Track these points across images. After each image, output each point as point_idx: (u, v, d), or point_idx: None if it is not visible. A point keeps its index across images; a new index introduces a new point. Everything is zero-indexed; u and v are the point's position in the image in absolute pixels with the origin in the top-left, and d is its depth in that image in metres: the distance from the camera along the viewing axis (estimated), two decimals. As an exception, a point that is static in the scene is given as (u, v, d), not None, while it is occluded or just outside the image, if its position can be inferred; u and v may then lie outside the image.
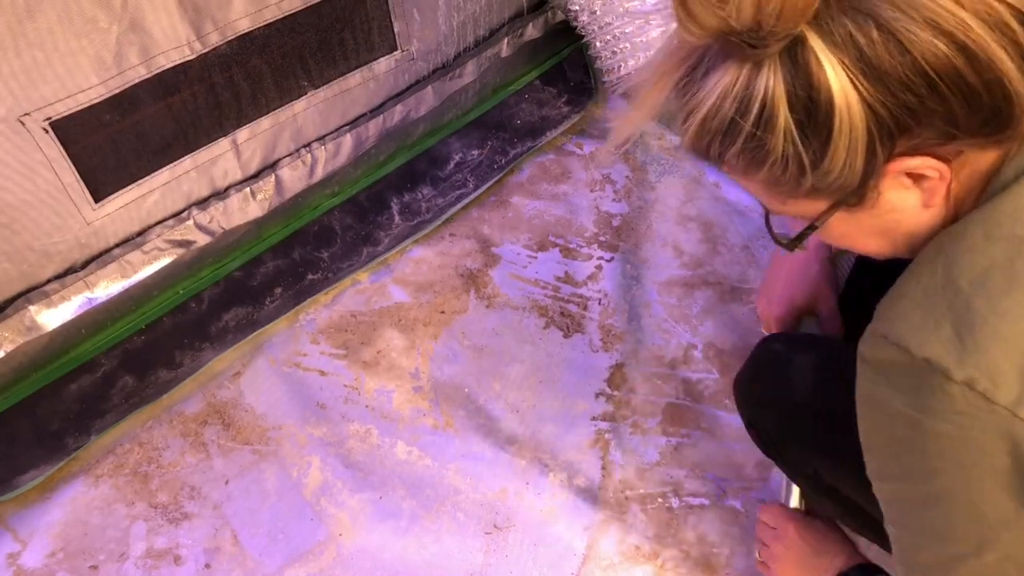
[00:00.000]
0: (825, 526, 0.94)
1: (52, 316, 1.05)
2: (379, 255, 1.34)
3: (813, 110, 0.47)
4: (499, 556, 1.04)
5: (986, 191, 0.52)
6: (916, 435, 0.51)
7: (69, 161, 0.96)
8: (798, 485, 0.98)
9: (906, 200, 0.53)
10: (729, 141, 0.51)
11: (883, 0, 0.45)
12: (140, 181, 1.05)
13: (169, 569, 1.03)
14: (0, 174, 0.90)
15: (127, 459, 1.12)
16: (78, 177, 0.98)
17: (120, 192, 1.04)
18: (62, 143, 0.94)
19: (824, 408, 0.80)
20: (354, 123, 1.27)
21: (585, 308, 1.30)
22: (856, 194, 0.51)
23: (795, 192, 0.52)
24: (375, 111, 1.29)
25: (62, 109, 0.91)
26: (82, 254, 1.06)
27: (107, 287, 1.08)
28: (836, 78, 0.46)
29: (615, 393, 1.19)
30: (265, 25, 1.05)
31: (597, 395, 1.19)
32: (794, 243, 0.61)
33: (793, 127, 0.48)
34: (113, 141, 0.99)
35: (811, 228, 0.57)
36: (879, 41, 0.45)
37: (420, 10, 1.24)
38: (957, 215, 0.54)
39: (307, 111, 1.19)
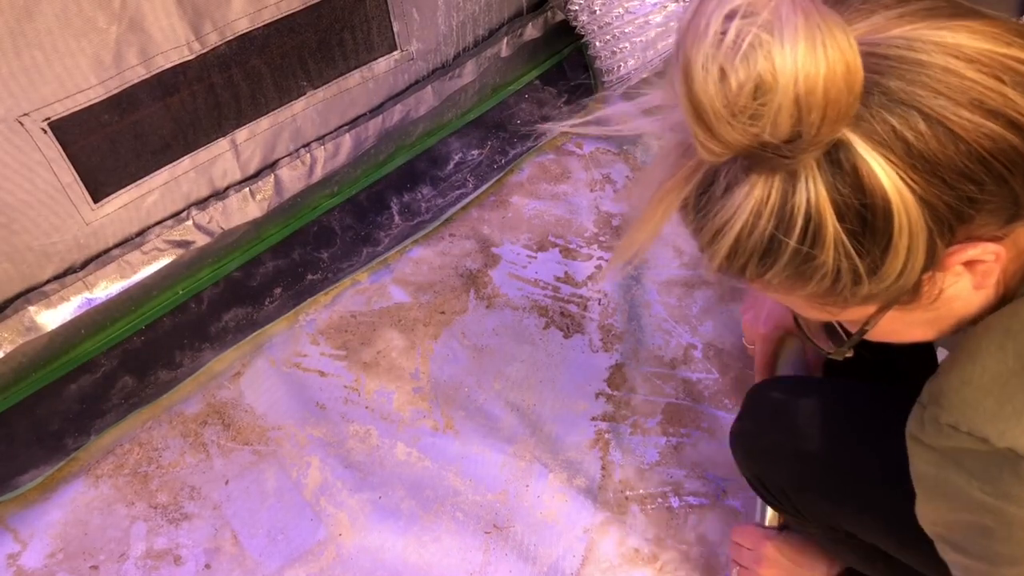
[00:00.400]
0: (802, 541, 0.92)
1: (51, 316, 1.05)
2: (379, 255, 1.34)
3: (867, 216, 0.43)
4: (499, 556, 1.04)
5: None
6: (1000, 524, 0.49)
7: (68, 161, 0.96)
8: (814, 536, 0.93)
9: (959, 287, 0.49)
10: (770, 261, 0.45)
11: (923, 88, 0.42)
12: (139, 181, 1.05)
13: (169, 569, 1.03)
14: (0, 174, 0.91)
15: (127, 459, 1.12)
16: (77, 177, 0.98)
17: (119, 192, 1.04)
18: (61, 143, 0.94)
19: (838, 457, 0.77)
20: (353, 123, 1.27)
21: (585, 308, 1.29)
22: (912, 292, 0.47)
23: (845, 303, 0.48)
24: (374, 111, 1.29)
25: (61, 109, 0.91)
26: (81, 254, 1.06)
27: (106, 287, 1.09)
28: (888, 178, 0.42)
29: (615, 393, 1.19)
30: (264, 25, 1.05)
31: (597, 395, 1.19)
32: (842, 352, 0.58)
33: (844, 237, 0.43)
34: (112, 141, 0.99)
35: (861, 333, 0.53)
36: (927, 133, 0.42)
37: (419, 10, 1.24)
38: (1007, 291, 0.52)
39: (306, 111, 1.19)
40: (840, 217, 0.43)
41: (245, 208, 1.18)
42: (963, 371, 0.50)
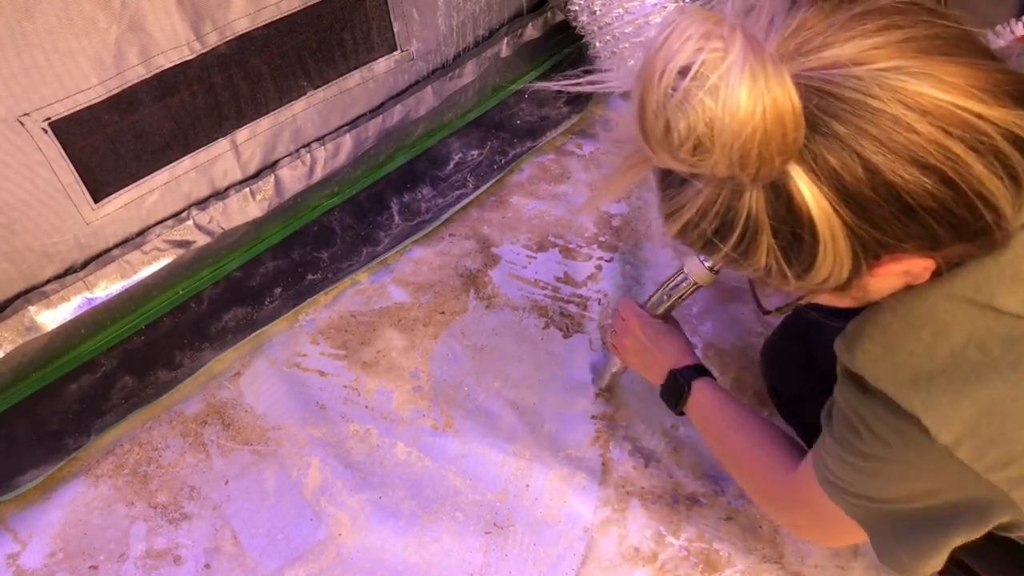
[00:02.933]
0: (665, 328, 0.99)
1: (51, 316, 1.05)
2: (379, 255, 1.34)
3: (797, 237, 0.47)
4: (499, 556, 1.04)
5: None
6: (864, 430, 0.59)
7: (68, 161, 0.96)
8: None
9: (893, 283, 0.54)
10: (712, 250, 0.51)
11: (867, 138, 0.44)
12: (139, 181, 1.05)
13: (169, 569, 1.03)
14: (0, 174, 0.90)
15: (127, 459, 1.12)
16: (77, 177, 0.98)
17: (119, 192, 1.04)
18: (61, 143, 0.94)
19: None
20: (353, 123, 1.27)
21: (585, 308, 1.29)
22: (842, 288, 0.52)
23: (777, 287, 0.54)
24: (375, 111, 1.29)
25: (61, 109, 0.91)
26: (81, 254, 1.06)
27: (106, 287, 1.09)
28: (819, 209, 0.45)
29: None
30: (264, 25, 1.05)
31: (597, 395, 1.19)
32: (779, 311, 0.66)
33: (776, 250, 0.48)
34: (112, 141, 0.99)
35: (791, 306, 0.63)
36: (863, 179, 0.45)
37: (419, 10, 1.24)
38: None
39: (306, 111, 1.19)
40: (774, 233, 0.47)
41: (245, 208, 1.18)
42: (872, 319, 0.58)
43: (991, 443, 0.53)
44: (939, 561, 0.62)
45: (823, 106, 0.44)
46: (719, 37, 0.41)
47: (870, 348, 0.57)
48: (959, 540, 0.60)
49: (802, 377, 0.91)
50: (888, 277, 0.52)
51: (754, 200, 0.46)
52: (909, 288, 0.55)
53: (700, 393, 0.92)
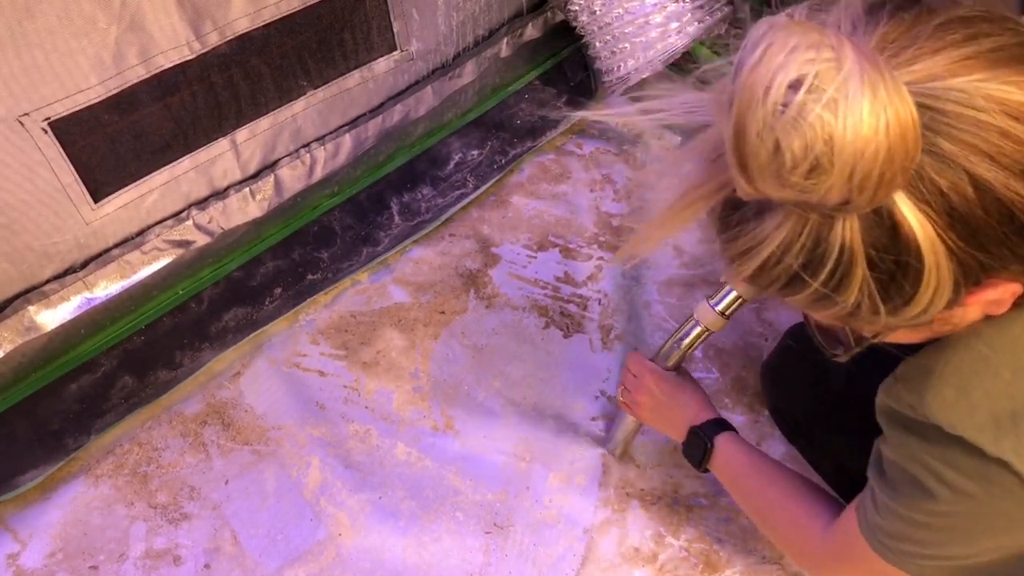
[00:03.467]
0: (680, 381, 0.96)
1: (51, 316, 1.05)
2: (379, 255, 1.34)
3: (898, 269, 0.43)
4: (499, 556, 1.04)
5: None
6: (938, 485, 0.54)
7: (68, 161, 0.96)
8: (819, 473, 0.96)
9: (978, 312, 0.50)
10: (791, 291, 0.46)
11: (976, 153, 0.41)
12: (139, 181, 1.05)
13: (169, 569, 1.03)
14: (0, 174, 0.90)
15: (127, 459, 1.12)
16: (77, 177, 0.98)
17: (119, 192, 1.04)
18: (61, 143, 0.94)
19: (853, 392, 0.77)
20: (353, 123, 1.27)
21: (585, 308, 1.29)
22: (928, 321, 0.48)
23: (860, 326, 0.50)
24: (374, 111, 1.29)
25: (61, 109, 0.91)
26: (81, 254, 1.06)
27: (106, 287, 1.09)
28: (926, 236, 0.41)
29: (615, 394, 1.19)
30: (264, 25, 1.05)
31: (597, 395, 1.19)
32: (846, 356, 0.59)
33: (872, 283, 0.44)
34: (112, 141, 0.99)
35: (867, 343, 0.55)
36: (973, 199, 0.41)
37: (419, 10, 1.24)
38: None
39: (306, 111, 1.19)
40: (871, 266, 0.43)
41: (245, 208, 1.18)
42: (934, 360, 0.53)
43: None
44: None
45: (926, 121, 0.40)
46: (829, 47, 0.37)
47: (945, 393, 0.52)
48: None
49: (811, 398, 0.87)
50: (978, 306, 0.48)
51: (848, 229, 0.42)
52: (982, 322, 0.50)
53: (724, 449, 0.88)
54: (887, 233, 0.42)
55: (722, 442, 0.88)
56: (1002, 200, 0.41)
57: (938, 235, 0.42)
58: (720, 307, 0.91)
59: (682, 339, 0.96)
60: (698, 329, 0.94)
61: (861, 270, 0.43)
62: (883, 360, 0.79)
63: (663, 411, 0.96)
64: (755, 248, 0.45)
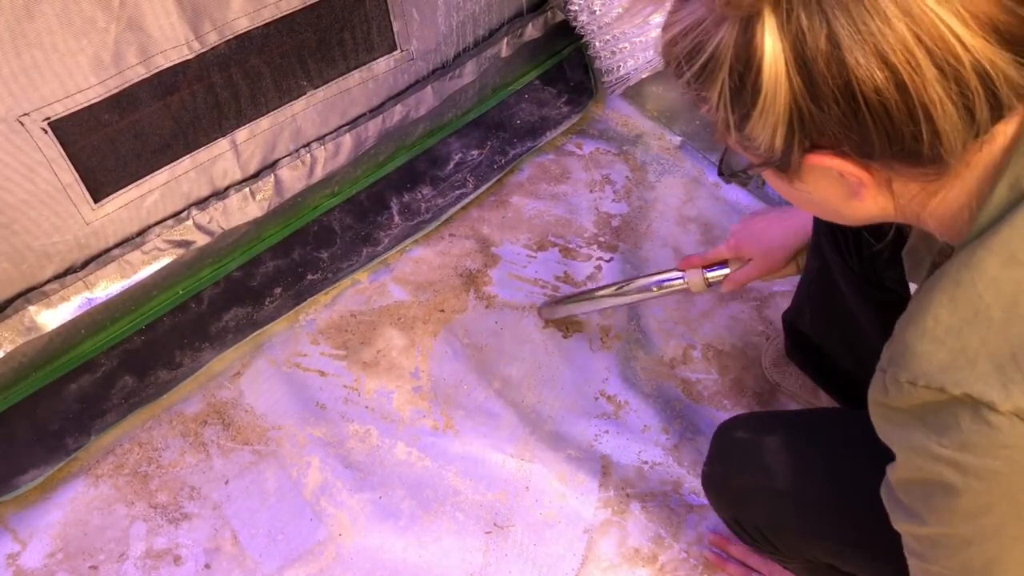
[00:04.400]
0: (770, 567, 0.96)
1: (52, 316, 1.05)
2: (379, 255, 1.34)
3: (745, 81, 0.48)
4: (499, 556, 1.04)
5: (980, 214, 0.51)
6: (959, 475, 0.50)
7: (68, 161, 0.96)
8: (792, 571, 0.94)
9: (831, 188, 0.54)
10: (679, 74, 0.53)
11: (843, 14, 0.44)
12: (139, 181, 1.05)
13: (169, 569, 1.03)
14: (0, 174, 0.90)
15: (127, 459, 1.12)
16: (77, 177, 0.98)
17: (119, 192, 1.04)
18: (61, 143, 0.94)
19: (810, 493, 0.77)
20: (354, 123, 1.27)
21: (585, 308, 1.29)
22: (780, 165, 0.52)
23: (730, 140, 0.55)
24: (375, 111, 1.29)
25: (61, 109, 0.91)
26: (81, 254, 1.06)
27: (107, 287, 1.08)
28: (773, 62, 0.46)
29: (614, 393, 1.19)
30: (264, 25, 1.05)
31: (596, 395, 1.19)
32: (731, 178, 0.64)
33: (727, 89, 0.49)
34: (112, 141, 0.99)
35: (746, 172, 0.60)
36: (824, 51, 0.44)
37: (419, 10, 1.24)
38: (919, 219, 0.55)
39: (306, 111, 1.19)
40: (729, 72, 0.49)
41: (245, 208, 1.18)
42: (917, 327, 0.51)
43: None
44: None
45: None
46: None
47: (940, 355, 0.50)
48: None
49: (766, 506, 0.82)
50: (824, 177, 0.52)
51: (727, 34, 0.48)
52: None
53: None
54: (746, 47, 0.47)
55: None
56: (844, 63, 0.44)
57: (785, 69, 0.46)
58: (710, 275, 0.98)
59: (661, 284, 1.02)
60: (679, 283, 1.00)
61: (723, 74, 0.49)
62: (825, 449, 0.77)
63: None
64: (671, 25, 0.52)
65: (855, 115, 0.46)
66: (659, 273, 1.04)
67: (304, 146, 1.23)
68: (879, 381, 0.53)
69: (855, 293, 0.87)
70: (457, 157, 1.48)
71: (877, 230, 0.70)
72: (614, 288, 1.12)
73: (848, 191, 0.53)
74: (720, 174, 0.66)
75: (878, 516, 0.58)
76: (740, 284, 1.00)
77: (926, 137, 0.46)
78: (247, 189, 1.17)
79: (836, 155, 0.49)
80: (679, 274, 1.00)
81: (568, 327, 1.27)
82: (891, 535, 0.59)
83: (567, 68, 1.61)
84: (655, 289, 1.01)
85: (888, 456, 0.58)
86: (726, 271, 0.99)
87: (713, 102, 0.50)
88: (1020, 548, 0.51)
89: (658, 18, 0.61)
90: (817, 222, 0.91)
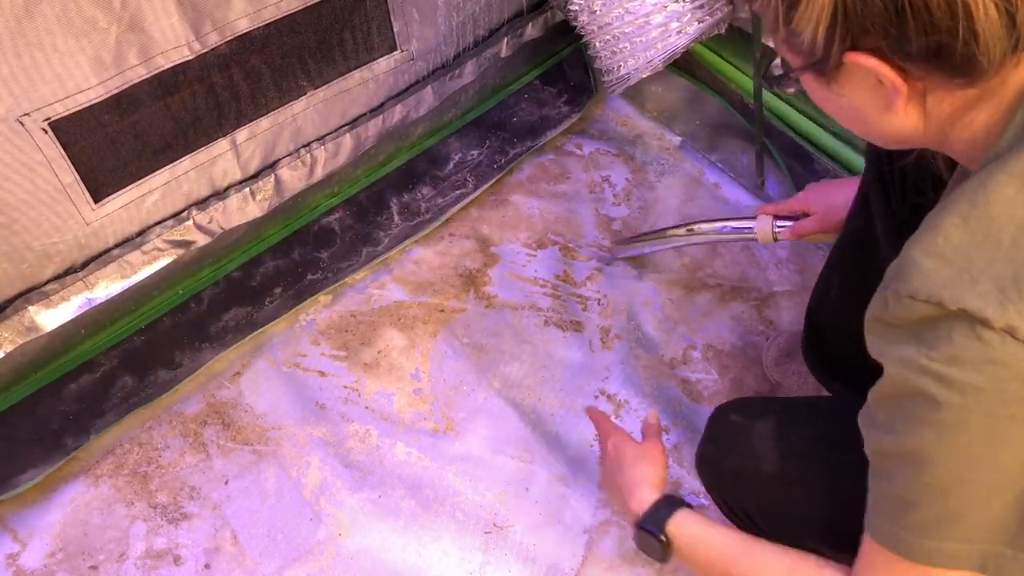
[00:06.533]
0: (642, 452, 0.86)
1: (51, 316, 1.05)
2: (379, 255, 1.34)
3: None
4: (499, 556, 1.04)
5: (1001, 137, 0.52)
6: (943, 390, 0.50)
7: (68, 161, 0.96)
8: None
9: (867, 96, 0.55)
10: None
11: None
12: (139, 181, 1.05)
13: (169, 569, 1.03)
14: (0, 174, 0.90)
15: (127, 459, 1.12)
16: (77, 177, 0.98)
17: (119, 192, 1.04)
18: (61, 143, 0.94)
19: (798, 477, 0.77)
20: (354, 123, 1.27)
21: (585, 307, 1.30)
22: (821, 65, 0.54)
23: (777, 37, 0.57)
24: (375, 111, 1.29)
25: (61, 109, 0.91)
26: (81, 254, 1.06)
27: (107, 287, 1.08)
28: None
29: (614, 393, 1.19)
30: (264, 25, 1.05)
31: (596, 395, 1.19)
32: (775, 81, 0.64)
33: None
34: (112, 141, 0.99)
35: (786, 75, 0.61)
36: None
37: (419, 10, 1.24)
38: (946, 142, 0.57)
39: (306, 111, 1.19)
40: None
41: (245, 208, 1.18)
42: (926, 243, 0.51)
43: None
44: None
45: None
46: None
47: (944, 272, 0.50)
48: None
49: (755, 489, 0.80)
50: (862, 82, 0.54)
51: None
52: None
53: (681, 544, 0.76)
54: None
55: (677, 534, 0.76)
56: None
57: None
58: (778, 227, 1.00)
59: (732, 229, 1.06)
60: (749, 231, 1.04)
61: None
62: (817, 436, 0.77)
63: (614, 480, 0.87)
64: None
65: (896, 8, 0.47)
66: (732, 219, 1.08)
67: (304, 146, 1.23)
68: (879, 298, 0.54)
69: (892, 246, 0.82)
70: (457, 157, 1.48)
71: (922, 181, 0.71)
72: (685, 228, 1.15)
73: (883, 101, 0.54)
74: (764, 78, 0.68)
75: (864, 504, 0.59)
76: (800, 235, 1.02)
77: (962, 35, 0.47)
78: (247, 189, 1.17)
79: (875, 55, 0.51)
80: (750, 222, 1.03)
81: (568, 327, 1.27)
82: None
83: (567, 68, 1.61)
84: (725, 233, 1.05)
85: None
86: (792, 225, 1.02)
87: None
88: (984, 471, 0.52)
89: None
90: (866, 174, 0.89)
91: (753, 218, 1.05)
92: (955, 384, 0.49)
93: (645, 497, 0.80)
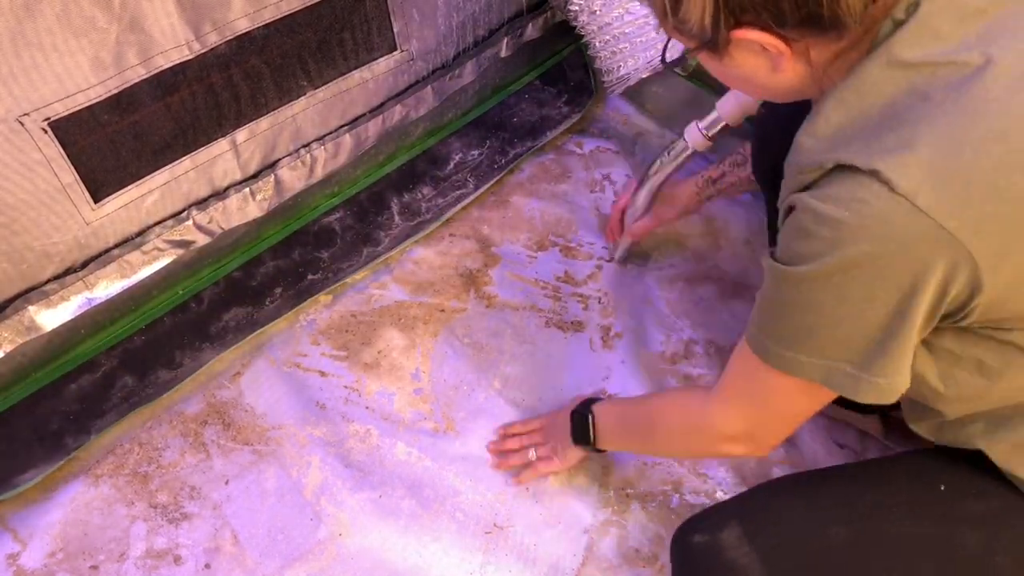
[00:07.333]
0: (565, 426, 1.03)
1: (51, 316, 1.05)
2: (379, 255, 1.34)
3: None
4: (499, 556, 1.04)
5: (872, 44, 0.61)
6: (814, 224, 0.59)
7: (68, 161, 0.96)
8: None
9: (756, 62, 0.64)
10: None
11: None
12: (139, 181, 1.05)
13: (169, 569, 1.03)
14: (0, 174, 0.91)
15: (127, 459, 1.12)
16: (77, 177, 0.98)
17: (119, 192, 1.04)
18: (61, 143, 0.94)
19: (780, 568, 0.75)
20: (354, 123, 1.27)
21: (586, 307, 1.29)
22: (711, 45, 0.63)
23: (667, 26, 0.66)
24: (375, 111, 1.29)
25: (61, 109, 0.91)
26: (81, 254, 1.06)
27: (107, 287, 1.09)
28: None
29: (615, 393, 1.19)
30: (264, 25, 1.05)
31: (597, 394, 1.19)
32: (671, 65, 0.76)
33: None
34: (112, 141, 0.99)
35: (684, 57, 0.72)
36: None
37: (419, 10, 1.24)
38: (830, 83, 0.64)
39: (306, 111, 1.19)
40: None
41: (245, 208, 1.18)
42: (809, 127, 0.62)
43: (947, 182, 0.55)
44: (908, 362, 0.62)
45: None
46: None
47: (817, 144, 0.61)
48: (921, 325, 0.60)
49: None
50: (749, 51, 0.63)
51: None
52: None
53: (602, 411, 0.98)
54: None
55: (599, 408, 0.99)
56: None
57: None
58: (704, 127, 1.07)
59: (670, 157, 1.13)
60: (683, 145, 1.10)
61: None
62: (770, 531, 0.78)
63: (553, 428, 1.06)
64: None
65: None
66: (664, 153, 1.15)
67: (304, 146, 1.23)
68: (784, 187, 0.64)
69: None
70: (457, 157, 1.48)
71: None
72: (643, 184, 1.22)
73: (771, 64, 0.63)
74: (662, 60, 0.77)
75: None
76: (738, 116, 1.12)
77: (827, 3, 0.56)
78: (247, 189, 1.17)
79: (757, 28, 0.59)
80: (683, 141, 1.10)
81: (568, 327, 1.27)
82: None
83: (567, 68, 1.61)
84: (665, 161, 1.13)
85: (860, 527, 0.72)
86: (716, 116, 1.08)
87: None
88: (835, 299, 0.60)
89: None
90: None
91: (681, 141, 1.13)
92: (826, 219, 0.58)
93: (579, 402, 1.02)
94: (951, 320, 0.62)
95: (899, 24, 0.59)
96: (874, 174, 0.55)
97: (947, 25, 0.58)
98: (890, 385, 0.63)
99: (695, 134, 1.07)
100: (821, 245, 0.59)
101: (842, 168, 0.58)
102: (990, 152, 0.55)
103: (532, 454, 1.08)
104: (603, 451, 1.03)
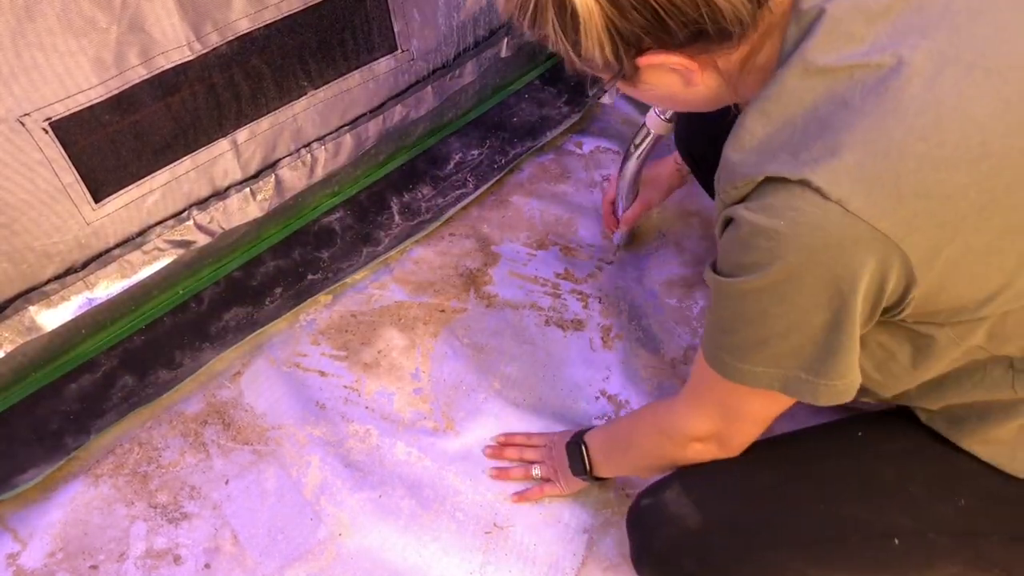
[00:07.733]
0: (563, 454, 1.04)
1: (52, 316, 1.05)
2: (379, 255, 1.34)
3: (565, 15, 0.61)
4: (499, 556, 1.04)
5: (779, 59, 0.62)
6: (751, 236, 0.60)
7: (69, 161, 0.96)
8: None
9: (669, 81, 0.66)
10: (518, 23, 0.66)
11: None
12: (140, 181, 1.06)
13: (169, 569, 1.03)
14: (0, 174, 0.91)
15: (127, 459, 1.12)
16: (78, 177, 0.98)
17: (120, 192, 1.04)
18: (62, 143, 0.94)
19: (718, 520, 0.78)
20: (354, 123, 1.27)
21: (586, 307, 1.30)
22: (622, 75, 0.66)
23: (577, 67, 0.67)
24: (375, 111, 1.29)
25: (62, 109, 0.91)
26: (82, 254, 1.06)
27: (107, 287, 1.09)
28: (584, 4, 0.59)
29: (615, 393, 1.19)
30: (265, 25, 1.05)
31: (597, 395, 1.19)
32: (593, 98, 0.76)
33: (557, 26, 0.62)
34: (113, 141, 0.99)
35: (602, 89, 0.73)
36: None
37: (420, 10, 1.24)
38: (743, 87, 0.67)
39: (307, 111, 1.19)
40: (553, 12, 0.61)
41: (246, 208, 1.18)
42: (734, 142, 0.63)
43: (876, 185, 0.56)
44: (856, 358, 0.64)
45: None
46: None
47: (744, 159, 0.61)
48: (863, 323, 0.62)
49: (693, 553, 0.82)
50: (658, 72, 0.65)
51: None
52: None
53: (593, 438, 0.99)
54: None
55: (590, 437, 1.00)
56: None
57: (597, 3, 0.59)
58: (660, 111, 1.08)
59: (637, 144, 1.14)
60: (650, 135, 1.12)
61: (550, 14, 0.61)
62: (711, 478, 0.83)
63: (553, 455, 1.06)
64: None
65: (655, 16, 0.58)
66: (631, 139, 1.16)
67: (304, 146, 1.23)
68: (718, 201, 0.65)
69: None
70: (457, 157, 1.48)
71: None
72: (622, 174, 1.23)
73: (683, 80, 0.66)
74: (587, 94, 0.79)
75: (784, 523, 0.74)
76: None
77: (710, 18, 0.58)
78: (247, 189, 1.17)
79: (659, 52, 0.62)
80: (645, 128, 1.12)
81: (568, 326, 1.27)
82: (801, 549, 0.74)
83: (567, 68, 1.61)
84: (632, 150, 1.15)
85: (784, 468, 0.77)
86: None
87: (551, 38, 0.63)
88: (782, 309, 0.61)
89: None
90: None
91: (644, 128, 1.14)
92: (761, 230, 0.59)
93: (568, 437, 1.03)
94: (889, 315, 0.63)
95: (806, 28, 0.60)
96: (804, 183, 0.57)
97: (858, 26, 0.59)
98: (846, 385, 0.65)
99: (654, 118, 1.10)
100: (761, 256, 0.60)
101: (772, 180, 0.59)
102: (914, 151, 0.56)
103: (536, 472, 1.07)
104: (603, 479, 1.03)
